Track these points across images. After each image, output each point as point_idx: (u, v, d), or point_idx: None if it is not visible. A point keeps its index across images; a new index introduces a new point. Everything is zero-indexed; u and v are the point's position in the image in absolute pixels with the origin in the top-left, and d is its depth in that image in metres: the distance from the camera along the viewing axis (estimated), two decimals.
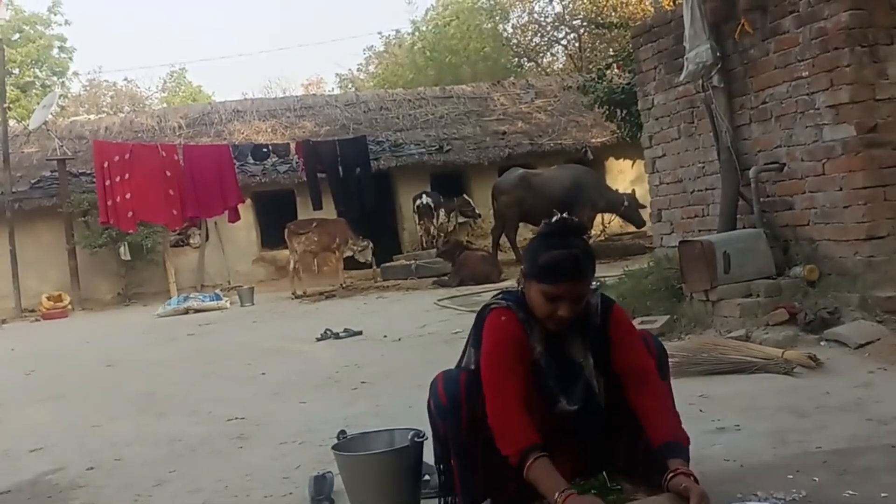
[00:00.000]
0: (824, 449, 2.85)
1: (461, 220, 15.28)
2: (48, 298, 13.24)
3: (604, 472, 2.48)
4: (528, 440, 2.20)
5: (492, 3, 26.23)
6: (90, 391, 5.90)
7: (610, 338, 2.39)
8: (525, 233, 13.97)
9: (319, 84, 34.15)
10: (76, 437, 4.38)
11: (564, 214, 2.36)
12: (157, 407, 5.04)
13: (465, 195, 15.41)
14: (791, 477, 2.56)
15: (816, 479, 2.53)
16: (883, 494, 2.36)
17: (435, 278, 11.92)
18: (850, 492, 2.40)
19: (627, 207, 13.06)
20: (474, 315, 2.47)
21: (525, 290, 2.37)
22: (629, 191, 13.42)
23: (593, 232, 14.51)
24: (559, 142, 16.22)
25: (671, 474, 2.16)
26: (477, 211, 15.13)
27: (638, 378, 2.35)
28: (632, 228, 14.62)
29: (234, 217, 12.62)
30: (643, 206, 12.81)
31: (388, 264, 13.52)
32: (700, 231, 6.34)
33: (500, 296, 2.45)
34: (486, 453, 2.31)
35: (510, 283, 9.32)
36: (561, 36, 25.90)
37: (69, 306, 13.33)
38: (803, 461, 2.72)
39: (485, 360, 2.32)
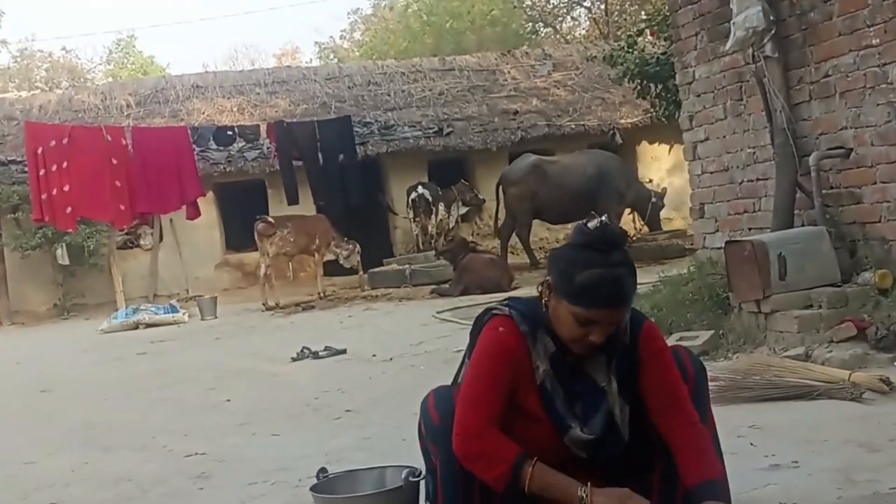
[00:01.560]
0: None
1: (464, 210, 15.30)
2: None
3: None
4: (515, 451, 2.28)
5: None
6: (22, 421, 5.90)
7: (639, 358, 2.41)
8: (540, 231, 13.99)
9: (295, 55, 34.29)
10: (5, 476, 4.37)
11: (604, 218, 2.37)
12: (101, 440, 5.04)
13: (463, 180, 15.43)
14: None
15: None
16: None
17: (433, 286, 11.93)
18: None
19: (654, 205, 13.11)
20: None
21: (550, 306, 2.38)
22: (650, 182, 13.58)
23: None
24: (581, 123, 16.24)
25: None
26: (481, 196, 15.15)
27: (668, 406, 2.39)
28: (671, 226, 14.66)
29: (194, 213, 12.60)
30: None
31: (377, 269, 13.52)
32: (750, 229, 6.35)
33: (505, 301, 2.48)
34: (485, 492, 2.33)
35: (523, 293, 9.31)
36: None
37: None
38: None
39: (467, 372, 2.39)
